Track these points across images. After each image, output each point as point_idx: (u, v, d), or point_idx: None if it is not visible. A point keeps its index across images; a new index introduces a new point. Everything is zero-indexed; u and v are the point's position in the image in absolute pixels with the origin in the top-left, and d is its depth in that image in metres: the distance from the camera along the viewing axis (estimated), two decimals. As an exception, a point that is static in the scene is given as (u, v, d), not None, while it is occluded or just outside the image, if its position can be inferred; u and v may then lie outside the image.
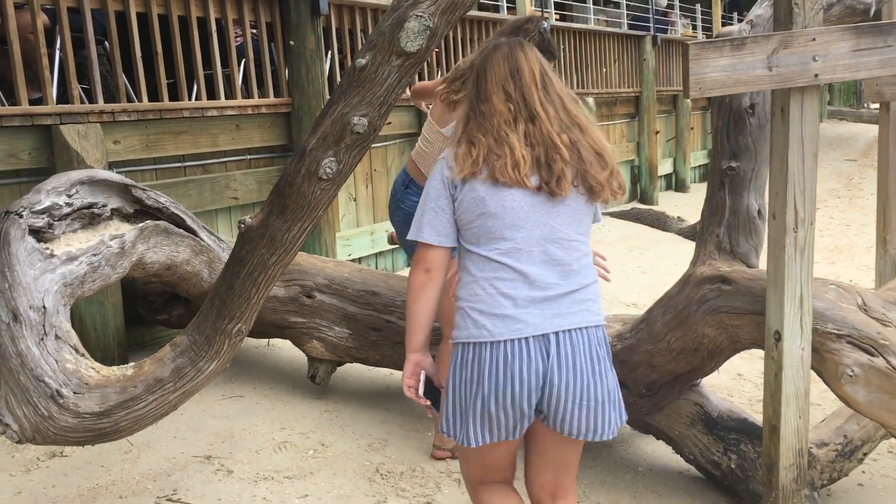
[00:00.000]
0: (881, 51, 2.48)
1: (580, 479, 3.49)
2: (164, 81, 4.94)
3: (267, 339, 4.79)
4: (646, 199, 11.81)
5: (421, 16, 2.30)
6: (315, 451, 3.68)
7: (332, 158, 2.42)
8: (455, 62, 7.71)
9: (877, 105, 4.38)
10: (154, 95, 4.99)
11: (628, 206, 11.13)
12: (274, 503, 3.22)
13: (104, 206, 3.13)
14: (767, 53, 2.42)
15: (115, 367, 2.65)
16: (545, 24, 3.23)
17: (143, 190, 3.41)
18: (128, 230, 3.17)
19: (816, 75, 2.47)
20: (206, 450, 3.66)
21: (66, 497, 3.23)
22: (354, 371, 4.58)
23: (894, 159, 4.25)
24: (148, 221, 3.32)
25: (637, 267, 7.73)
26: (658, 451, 3.76)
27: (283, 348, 4.90)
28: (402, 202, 3.58)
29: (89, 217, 3.09)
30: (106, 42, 4.75)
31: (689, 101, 13.11)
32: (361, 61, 2.36)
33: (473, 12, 8.00)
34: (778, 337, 2.66)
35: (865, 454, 3.41)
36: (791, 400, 2.69)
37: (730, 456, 3.30)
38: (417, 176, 3.54)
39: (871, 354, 2.65)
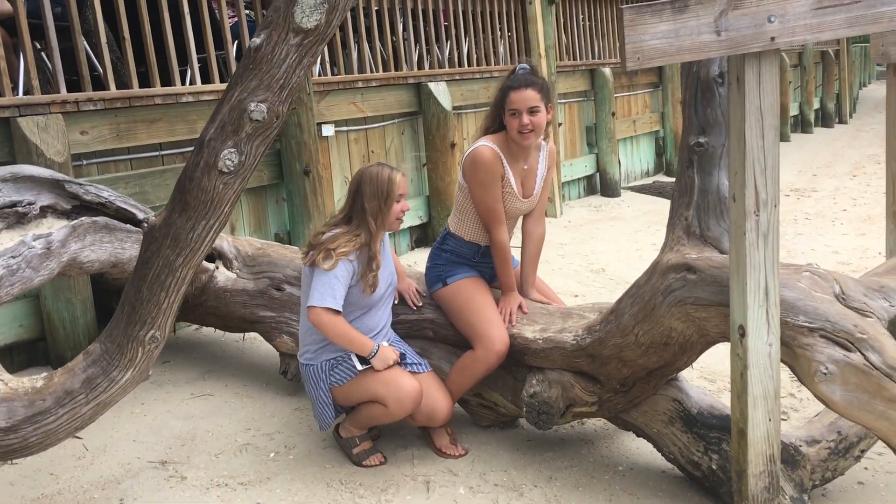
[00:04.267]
0: (847, 7, 2.17)
1: (554, 480, 3.27)
2: (132, 68, 4.76)
3: (242, 334, 4.63)
4: (672, 172, 11.39)
5: (317, -12, 2.06)
6: (277, 453, 3.51)
7: (233, 149, 2.21)
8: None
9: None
10: (124, 83, 4.82)
11: (650, 180, 10.76)
12: (222, 512, 3.06)
13: (31, 203, 2.97)
14: (714, 16, 2.14)
15: (24, 379, 2.49)
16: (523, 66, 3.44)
17: (81, 185, 3.24)
18: (58, 229, 3.00)
19: (773, 38, 2.18)
20: (163, 454, 3.51)
21: (6, 509, 3.11)
22: (332, 365, 4.39)
23: (904, 126, 3.89)
24: (83, 218, 3.15)
25: (652, 244, 7.41)
26: (641, 447, 3.51)
27: (263, 342, 4.74)
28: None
29: (15, 216, 2.93)
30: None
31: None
32: (256, 41, 2.13)
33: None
34: (742, 332, 2.40)
35: (863, 451, 3.12)
36: (759, 402, 2.42)
37: (710, 456, 3.04)
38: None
39: (848, 350, 2.37)
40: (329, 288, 3.12)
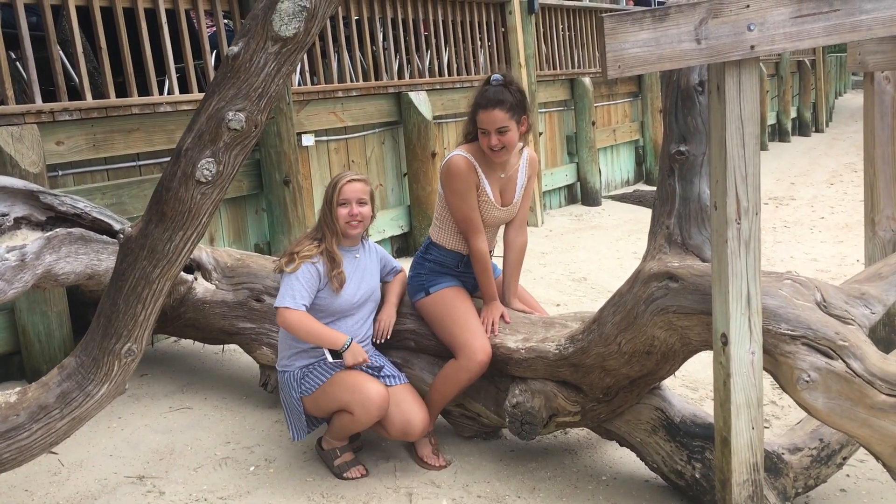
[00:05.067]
0: (826, 16, 2.18)
1: (538, 491, 3.25)
2: (109, 78, 4.71)
3: (222, 346, 4.58)
4: (652, 181, 11.45)
5: (295, -5, 2.04)
6: (257, 466, 3.46)
7: (210, 159, 2.18)
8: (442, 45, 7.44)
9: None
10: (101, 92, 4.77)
11: (631, 189, 10.80)
12: (201, 527, 3.01)
13: (4, 215, 2.92)
14: (695, 24, 2.14)
15: (-3, 394, 2.43)
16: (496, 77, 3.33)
17: (56, 195, 3.19)
18: (32, 240, 2.95)
19: (752, 47, 2.18)
20: (141, 469, 3.45)
21: (-21, 526, 3.04)
22: (313, 376, 4.35)
23: (881, 134, 3.93)
24: (58, 230, 3.10)
25: (633, 253, 7.42)
26: (625, 457, 3.50)
27: (243, 354, 4.68)
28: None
29: (-12, 228, 2.87)
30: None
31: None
32: (234, 49, 2.11)
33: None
34: (725, 340, 2.39)
35: (845, 458, 3.12)
36: (742, 410, 2.41)
37: (694, 465, 3.04)
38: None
39: (830, 357, 2.36)
40: (289, 289, 3.19)
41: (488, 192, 3.37)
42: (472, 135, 3.42)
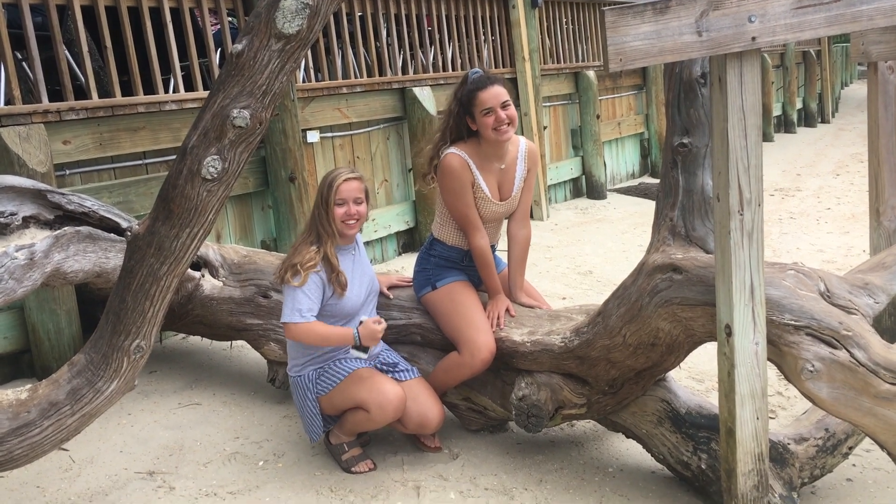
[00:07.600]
0: (827, 6, 2.18)
1: (545, 483, 3.27)
2: (115, 77, 4.73)
3: (230, 342, 4.60)
4: (657, 173, 11.44)
5: (298, -7, 2.06)
6: (266, 461, 3.49)
7: (216, 156, 2.20)
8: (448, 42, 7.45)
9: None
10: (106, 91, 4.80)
11: (636, 182, 10.79)
12: (211, 522, 3.04)
13: (13, 214, 2.95)
14: (696, 17, 2.14)
15: (8, 391, 2.46)
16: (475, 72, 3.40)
17: (63, 194, 3.22)
18: (41, 239, 2.98)
19: (754, 38, 2.19)
20: (151, 464, 3.48)
21: (-9, 523, 3.08)
22: (320, 371, 4.37)
23: (885, 124, 3.93)
24: (66, 228, 3.13)
25: (639, 246, 7.43)
26: (631, 448, 3.52)
27: (251, 350, 4.71)
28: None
29: (-4, 227, 2.90)
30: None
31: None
32: (238, 47, 2.13)
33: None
34: (729, 331, 2.40)
35: (851, 448, 3.13)
36: (746, 400, 2.43)
37: (700, 455, 3.05)
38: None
39: (833, 347, 2.38)
40: (296, 302, 3.15)
41: (483, 188, 3.38)
42: (455, 134, 3.41)
